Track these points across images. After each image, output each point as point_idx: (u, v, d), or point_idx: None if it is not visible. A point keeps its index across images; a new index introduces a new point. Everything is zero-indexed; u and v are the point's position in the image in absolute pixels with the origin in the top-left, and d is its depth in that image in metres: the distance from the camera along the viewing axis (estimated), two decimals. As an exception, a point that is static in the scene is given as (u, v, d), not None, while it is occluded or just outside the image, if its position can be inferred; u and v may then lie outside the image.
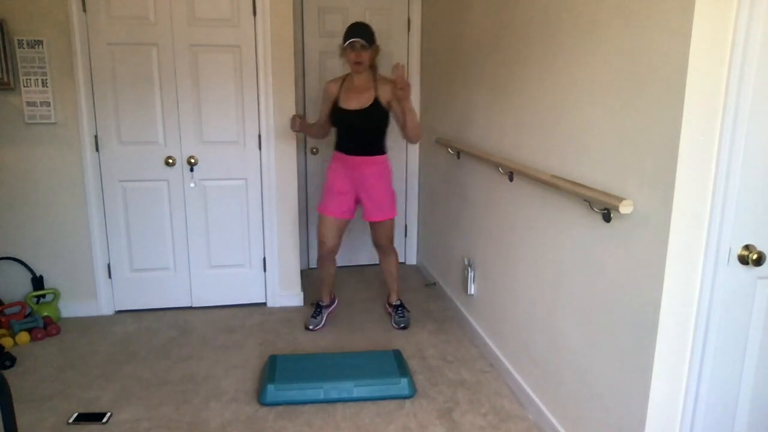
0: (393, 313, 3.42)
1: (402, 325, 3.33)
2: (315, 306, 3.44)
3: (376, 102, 3.01)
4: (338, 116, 3.07)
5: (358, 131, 3.07)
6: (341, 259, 4.37)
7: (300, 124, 3.10)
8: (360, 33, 2.92)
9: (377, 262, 4.44)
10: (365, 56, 2.96)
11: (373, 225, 3.22)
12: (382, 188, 3.15)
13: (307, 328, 3.31)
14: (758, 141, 1.57)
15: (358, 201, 3.20)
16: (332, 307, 3.54)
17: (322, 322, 3.37)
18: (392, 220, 3.24)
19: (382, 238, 3.27)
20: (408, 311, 3.46)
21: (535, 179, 2.32)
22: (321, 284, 3.40)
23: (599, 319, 1.98)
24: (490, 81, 2.86)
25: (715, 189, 1.60)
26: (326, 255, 3.25)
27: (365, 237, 4.38)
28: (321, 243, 3.21)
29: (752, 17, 1.50)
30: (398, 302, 3.45)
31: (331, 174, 3.17)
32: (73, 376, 2.79)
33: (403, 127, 3.01)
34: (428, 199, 4.17)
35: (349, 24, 3.02)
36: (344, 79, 3.11)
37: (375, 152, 3.12)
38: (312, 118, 3.92)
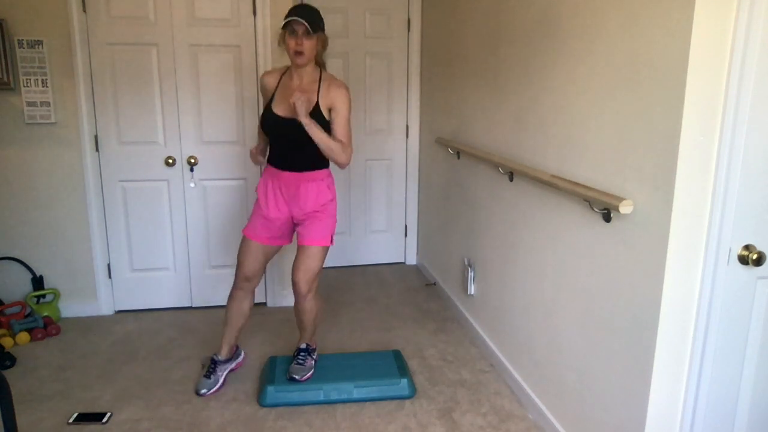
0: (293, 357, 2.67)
1: (293, 376, 2.56)
2: (209, 362, 2.68)
3: (317, 109, 2.37)
4: (269, 122, 2.43)
5: (293, 143, 2.41)
6: (340, 259, 4.36)
7: (255, 153, 2.56)
8: (302, 14, 2.29)
9: (377, 262, 4.45)
10: (308, 45, 2.32)
11: (298, 250, 2.48)
12: (320, 211, 2.47)
13: (198, 394, 2.58)
14: (758, 141, 1.57)
15: (295, 222, 2.56)
16: (235, 362, 2.77)
17: (219, 383, 2.64)
18: (321, 249, 2.46)
19: (302, 271, 2.44)
20: (314, 359, 2.69)
21: (534, 179, 2.32)
22: (223, 327, 2.66)
23: (599, 319, 1.98)
24: (490, 81, 2.86)
25: (715, 189, 1.60)
26: (241, 284, 2.56)
27: (366, 237, 4.38)
28: (238, 267, 2.56)
29: (752, 17, 1.50)
30: (303, 345, 2.69)
31: (262, 192, 2.53)
32: (73, 376, 2.79)
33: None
34: (428, 199, 4.17)
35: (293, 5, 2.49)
36: (283, 72, 2.49)
37: (313, 167, 2.46)
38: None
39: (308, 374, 2.60)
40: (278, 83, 2.47)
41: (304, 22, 2.29)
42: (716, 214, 1.62)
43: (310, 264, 2.45)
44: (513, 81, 2.59)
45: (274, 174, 2.50)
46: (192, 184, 3.46)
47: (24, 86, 3.14)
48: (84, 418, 2.43)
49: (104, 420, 2.42)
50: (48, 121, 3.21)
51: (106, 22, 3.20)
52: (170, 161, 3.40)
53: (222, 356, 2.68)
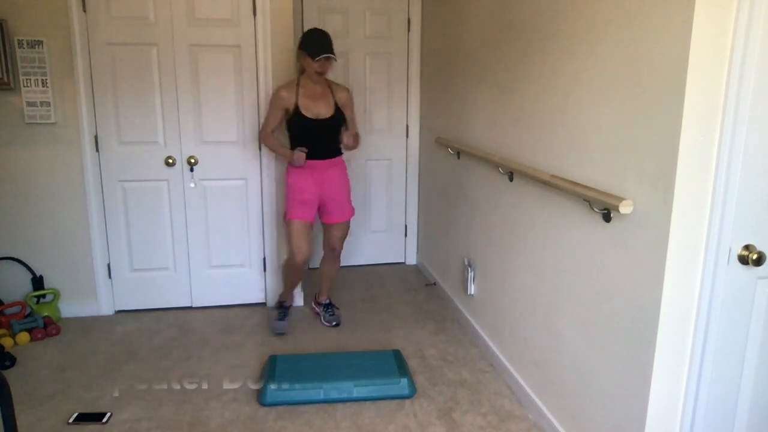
0: (323, 312, 3.43)
1: (335, 323, 3.36)
2: (281, 308, 3.40)
3: (338, 108, 3.06)
4: (302, 125, 3.02)
5: (323, 137, 3.07)
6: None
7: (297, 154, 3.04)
8: (330, 47, 2.90)
9: (377, 262, 4.46)
10: (327, 66, 2.96)
11: (333, 227, 3.22)
12: (345, 188, 3.21)
13: (278, 334, 3.25)
14: (758, 141, 1.57)
15: (320, 207, 3.18)
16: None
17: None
18: (349, 222, 3.27)
19: (339, 240, 3.26)
20: (338, 309, 3.48)
21: (535, 179, 2.32)
22: (288, 285, 3.36)
23: (599, 319, 1.98)
24: (490, 81, 2.86)
25: (715, 189, 1.60)
26: (302, 265, 3.13)
27: (366, 237, 4.38)
28: (296, 253, 3.09)
29: (752, 17, 1.50)
30: (327, 301, 3.48)
31: (295, 181, 3.09)
32: (73, 376, 2.79)
33: (347, 136, 3.09)
34: (428, 199, 4.17)
35: (310, 29, 3.03)
36: (297, 85, 3.03)
37: (337, 153, 3.15)
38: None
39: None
40: (296, 94, 3.02)
41: (332, 56, 2.91)
42: (716, 214, 1.62)
43: (345, 231, 3.28)
44: (513, 81, 2.59)
45: (308, 164, 3.04)
46: (192, 184, 3.46)
47: (24, 86, 3.14)
48: (84, 418, 2.43)
49: (104, 420, 2.42)
50: (48, 121, 3.20)
51: (106, 22, 3.20)
52: (170, 161, 3.40)
53: (291, 303, 3.47)
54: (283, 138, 3.17)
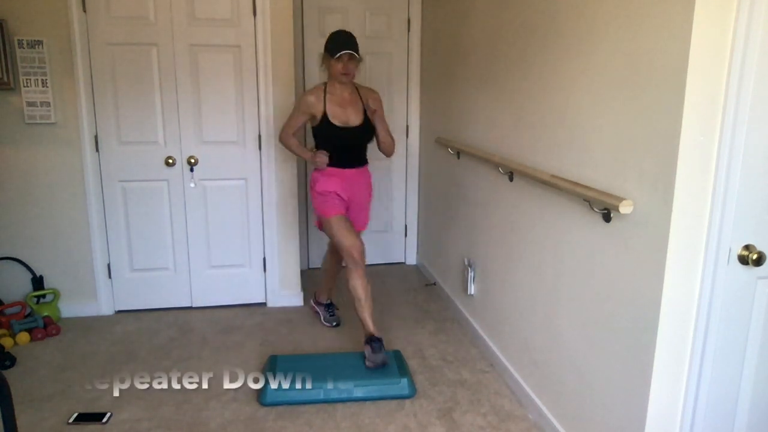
0: (323, 312, 3.43)
1: (335, 323, 3.37)
2: (370, 340, 2.83)
3: (366, 115, 2.94)
4: (330, 133, 2.89)
5: (354, 146, 2.97)
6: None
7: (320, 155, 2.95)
8: (352, 45, 2.80)
9: (377, 263, 4.44)
10: (353, 67, 2.83)
11: None
12: (369, 197, 3.15)
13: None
14: (758, 141, 1.57)
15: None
16: None
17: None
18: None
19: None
20: (338, 309, 3.47)
21: (535, 179, 2.32)
22: (362, 307, 2.93)
23: (599, 318, 1.98)
24: (491, 81, 2.86)
25: (715, 189, 1.60)
26: (360, 262, 2.91)
27: (366, 237, 4.37)
28: (352, 250, 2.88)
29: (752, 17, 1.50)
30: (329, 301, 3.47)
31: (325, 184, 2.94)
32: (73, 376, 2.79)
33: (380, 141, 2.98)
34: (428, 199, 4.17)
35: (334, 31, 2.89)
36: (324, 90, 2.90)
37: (365, 162, 3.05)
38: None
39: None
40: (324, 100, 2.88)
41: (354, 53, 2.80)
42: (716, 214, 1.62)
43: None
44: (513, 81, 2.59)
45: (339, 173, 2.96)
46: (192, 184, 3.46)
47: (24, 86, 3.14)
48: (84, 418, 2.43)
49: (104, 420, 2.42)
50: (48, 121, 3.20)
51: (106, 22, 3.20)
52: (170, 161, 3.40)
53: (377, 333, 2.92)
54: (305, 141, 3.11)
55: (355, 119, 2.90)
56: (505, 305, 2.78)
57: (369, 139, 2.99)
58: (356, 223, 3.08)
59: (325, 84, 2.92)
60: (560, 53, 2.17)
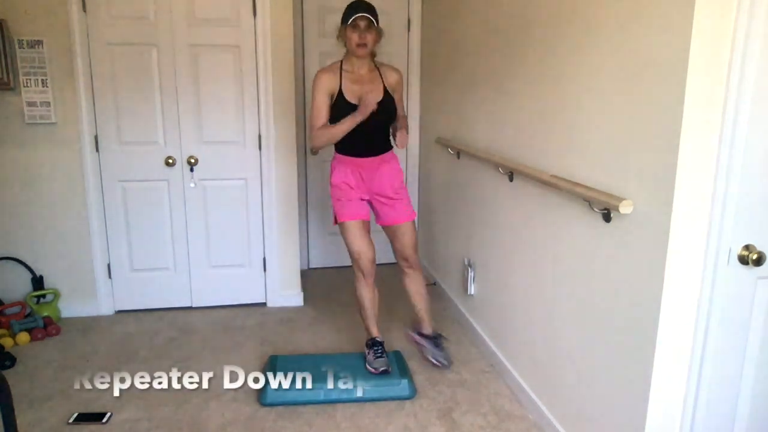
0: (430, 346, 2.85)
1: (445, 362, 2.83)
2: (372, 344, 2.75)
3: (387, 93, 2.65)
4: (347, 113, 2.55)
5: (373, 129, 2.62)
6: (340, 259, 4.33)
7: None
8: (366, 9, 2.49)
9: (378, 262, 4.37)
10: (370, 38, 2.53)
11: (396, 230, 2.76)
12: (398, 184, 2.76)
13: (378, 372, 2.65)
14: (758, 141, 1.57)
15: (373, 208, 2.80)
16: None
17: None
18: (414, 221, 2.81)
19: (409, 246, 2.77)
20: (447, 339, 2.95)
21: (534, 179, 2.32)
22: (364, 314, 2.80)
23: (599, 319, 1.98)
24: (490, 81, 2.86)
25: (715, 189, 1.60)
26: (368, 270, 2.70)
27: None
28: (358, 257, 2.67)
29: (752, 17, 1.50)
30: (434, 333, 2.90)
31: (340, 180, 2.68)
32: (73, 376, 2.78)
33: (395, 131, 2.71)
34: (428, 199, 4.17)
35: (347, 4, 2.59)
36: (340, 67, 2.63)
37: (388, 148, 2.73)
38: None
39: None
40: (340, 78, 2.61)
41: (369, 16, 2.49)
42: (716, 214, 1.62)
43: (414, 236, 2.80)
44: (513, 81, 2.59)
45: (352, 162, 2.68)
46: (192, 184, 3.46)
47: (24, 86, 3.14)
48: (84, 418, 2.44)
49: (104, 420, 2.42)
50: (48, 121, 3.20)
51: (106, 22, 3.20)
52: (170, 161, 3.40)
53: (379, 335, 2.81)
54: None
55: (376, 97, 2.56)
56: (505, 305, 2.78)
57: (389, 122, 2.68)
58: (397, 218, 2.74)
59: (342, 62, 2.66)
60: (560, 53, 2.17)
